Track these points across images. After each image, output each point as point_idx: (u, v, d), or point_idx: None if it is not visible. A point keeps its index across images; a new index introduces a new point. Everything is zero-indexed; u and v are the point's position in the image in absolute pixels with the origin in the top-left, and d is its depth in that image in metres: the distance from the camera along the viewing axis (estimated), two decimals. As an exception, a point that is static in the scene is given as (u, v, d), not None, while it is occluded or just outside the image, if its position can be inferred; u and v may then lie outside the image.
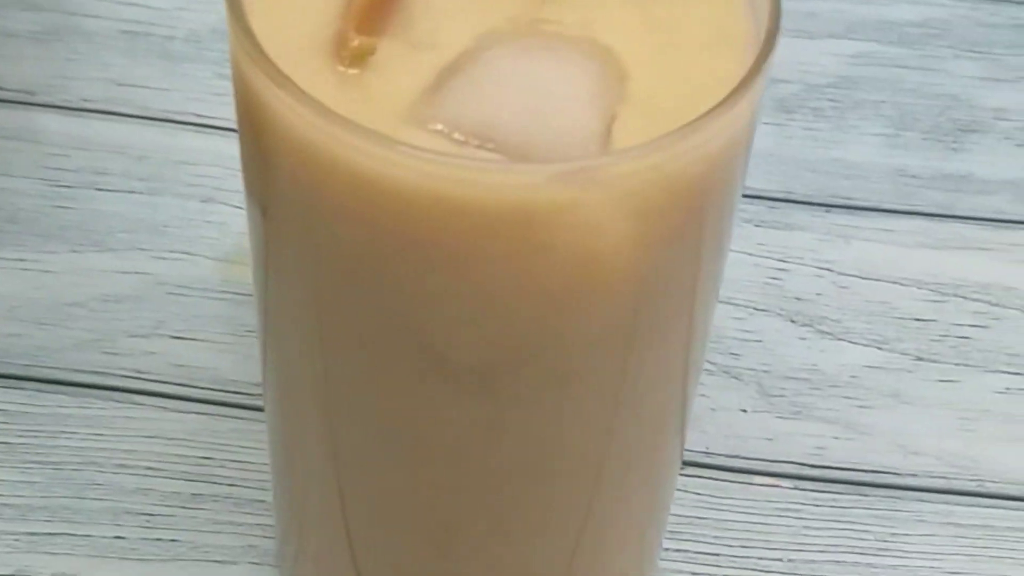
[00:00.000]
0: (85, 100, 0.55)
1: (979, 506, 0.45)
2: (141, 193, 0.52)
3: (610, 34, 0.30)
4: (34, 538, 0.43)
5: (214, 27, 0.58)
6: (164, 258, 0.50)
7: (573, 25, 0.30)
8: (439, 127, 0.27)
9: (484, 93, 0.28)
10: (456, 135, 0.28)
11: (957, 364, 0.49)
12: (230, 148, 0.55)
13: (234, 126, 0.54)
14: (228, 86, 0.56)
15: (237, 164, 0.53)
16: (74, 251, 0.50)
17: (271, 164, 0.29)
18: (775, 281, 0.51)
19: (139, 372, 0.47)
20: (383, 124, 0.28)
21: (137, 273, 0.50)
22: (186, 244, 0.51)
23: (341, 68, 0.29)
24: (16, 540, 0.43)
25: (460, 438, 0.33)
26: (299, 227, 0.30)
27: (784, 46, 0.58)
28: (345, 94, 0.28)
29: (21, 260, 0.50)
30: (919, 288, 0.51)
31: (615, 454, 0.36)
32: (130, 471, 0.45)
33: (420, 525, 0.37)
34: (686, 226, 0.29)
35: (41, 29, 0.57)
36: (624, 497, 0.38)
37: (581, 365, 0.30)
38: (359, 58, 0.28)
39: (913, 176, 0.55)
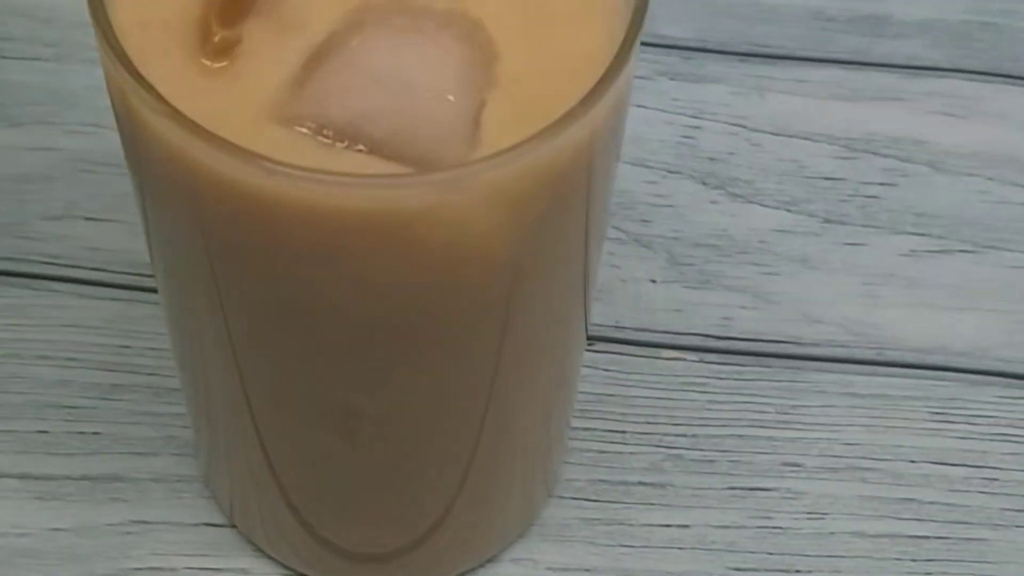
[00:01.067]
0: (-15, -44, 0.54)
1: (878, 375, 0.47)
2: (48, 60, 0.51)
3: (480, 5, 0.29)
4: (-42, 435, 0.44)
5: None
6: (75, 132, 0.50)
7: (443, -2, 0.29)
8: (306, 127, 0.27)
9: (351, 87, 0.28)
10: (324, 135, 0.27)
11: (864, 226, 0.50)
12: (137, 8, 0.54)
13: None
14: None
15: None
16: (-19, 127, 0.50)
17: (143, 156, 0.29)
18: (688, 140, 0.51)
19: (54, 257, 0.47)
20: (249, 123, 0.28)
21: (47, 149, 0.49)
22: (97, 116, 0.50)
23: (206, 61, 0.28)
24: (-60, 438, 0.44)
25: (357, 364, 0.34)
26: (176, 212, 0.30)
27: None
28: (211, 89, 0.28)
29: (-72, 138, 0.50)
30: (830, 144, 0.52)
31: (514, 340, 0.36)
32: (50, 362, 0.46)
33: (323, 410, 0.38)
34: (556, 206, 0.29)
35: None
36: (526, 379, 0.39)
37: (464, 330, 0.31)
38: (223, 52, 0.28)
39: (830, 19, 0.55)
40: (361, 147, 0.27)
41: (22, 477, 0.43)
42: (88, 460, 0.44)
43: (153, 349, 0.46)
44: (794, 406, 0.46)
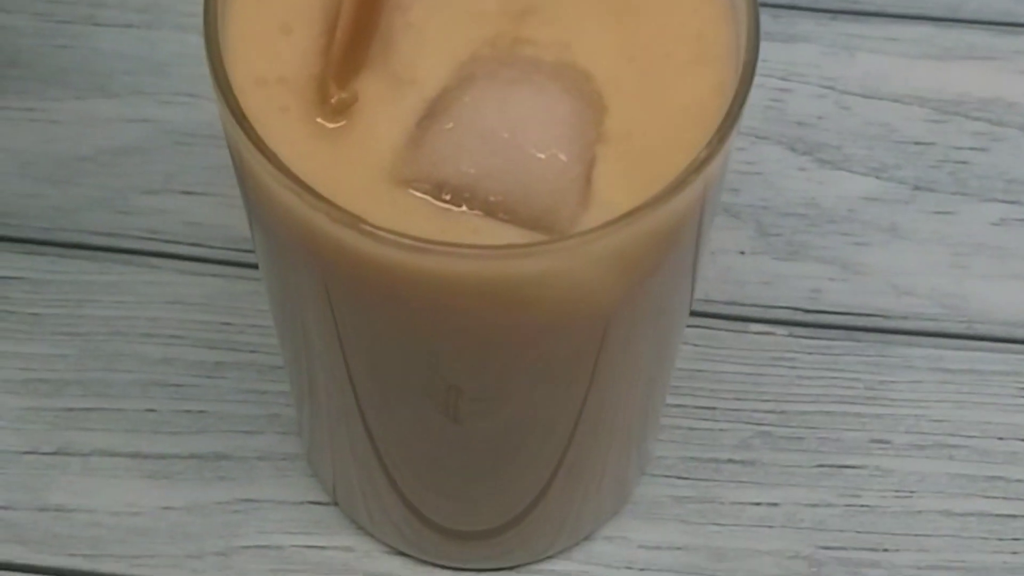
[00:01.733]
0: (72, -84, 0.54)
1: (967, 349, 0.47)
2: (138, 27, 0.52)
3: (588, 56, 0.30)
4: (72, 414, 0.46)
5: None
6: (169, 102, 0.50)
7: (552, 45, 0.30)
8: (423, 190, 0.28)
9: (463, 148, 0.28)
10: (439, 199, 0.28)
11: (954, 193, 0.50)
12: (226, -29, 0.54)
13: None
14: None
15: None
16: (78, 98, 0.50)
17: (258, 208, 0.30)
18: (777, 103, 0.51)
19: (153, 232, 0.48)
20: (368, 184, 0.28)
21: (143, 121, 0.50)
22: (189, 85, 0.51)
23: (323, 121, 0.29)
24: (56, 416, 0.45)
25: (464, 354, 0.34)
26: (293, 252, 0.30)
27: None
28: (328, 149, 0.29)
29: (29, 110, 0.50)
30: (921, 106, 0.51)
31: (622, 315, 0.37)
32: (155, 340, 0.47)
33: (426, 388, 0.39)
34: (661, 262, 0.29)
35: None
36: (631, 359, 0.40)
37: (565, 363, 0.32)
38: (340, 112, 0.28)
39: (923, -26, 0.54)
40: (477, 210, 0.28)
41: (133, 456, 0.45)
42: (195, 439, 0.45)
43: (255, 326, 0.47)
44: (882, 381, 0.47)
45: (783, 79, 0.52)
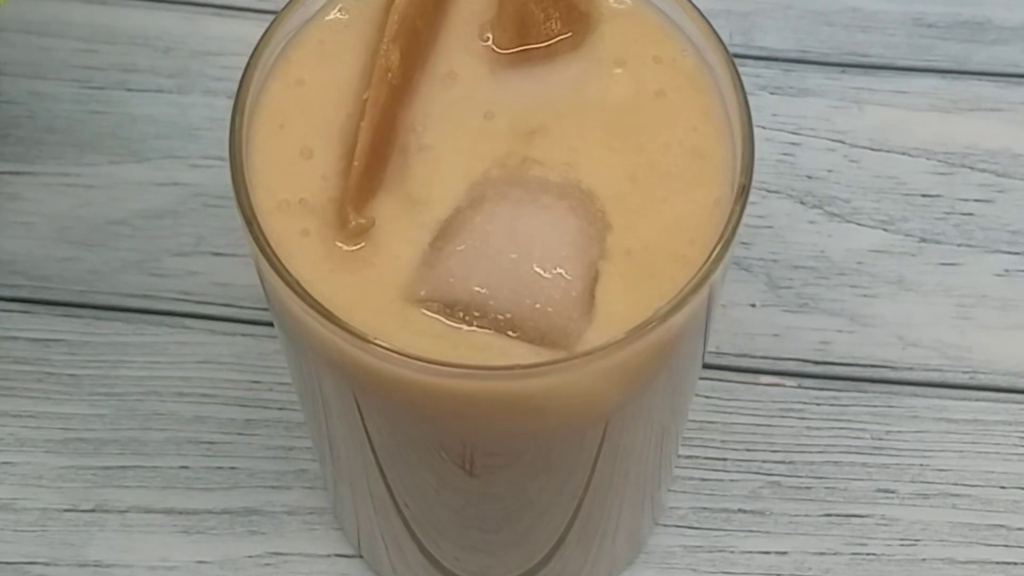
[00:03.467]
0: (105, -17, 0.56)
1: (971, 399, 0.49)
2: (170, 92, 0.54)
3: (592, 174, 0.31)
4: (109, 472, 0.48)
5: None
6: (199, 166, 0.52)
7: (558, 165, 0.31)
8: (435, 309, 0.30)
9: (474, 269, 0.30)
10: (451, 318, 0.30)
11: (959, 245, 0.51)
12: (251, 33, 0.55)
13: (256, 7, 0.55)
14: (244, -40, 0.57)
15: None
16: (112, 163, 0.52)
17: (285, 323, 0.31)
18: (788, 157, 0.53)
19: (185, 294, 0.50)
20: (386, 304, 0.30)
21: (174, 184, 0.52)
22: (219, 148, 0.53)
23: (342, 245, 0.30)
24: (94, 475, 0.48)
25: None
26: (313, 362, 0.32)
27: None
28: (347, 271, 0.30)
29: (64, 175, 0.52)
30: (928, 159, 0.53)
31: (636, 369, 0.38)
32: (188, 399, 0.49)
33: (443, 444, 0.41)
34: (662, 370, 0.31)
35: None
36: (644, 413, 0.41)
37: (570, 455, 0.34)
38: (357, 236, 0.30)
39: (929, 26, 0.55)
40: (487, 326, 0.30)
41: (168, 512, 0.47)
42: (227, 494, 0.48)
43: (283, 384, 0.49)
44: (888, 431, 0.48)
45: (793, 133, 0.53)
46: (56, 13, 0.55)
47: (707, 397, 0.49)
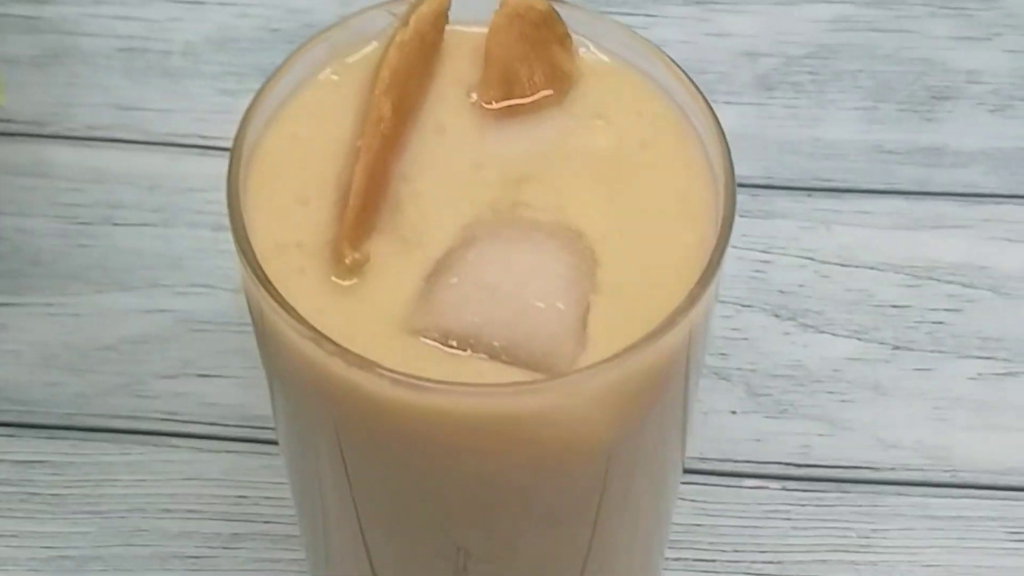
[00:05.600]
0: (91, 128, 0.57)
1: (953, 496, 0.49)
2: (155, 225, 0.55)
3: (581, 215, 0.33)
4: (93, 589, 0.47)
5: (208, 36, 0.60)
6: (184, 293, 0.53)
7: (547, 208, 0.33)
8: (432, 338, 0.31)
9: (468, 300, 0.31)
10: (448, 343, 0.31)
11: (932, 351, 0.52)
12: (235, 170, 0.57)
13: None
14: (228, 103, 0.59)
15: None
16: (98, 292, 0.53)
17: (277, 363, 0.32)
18: (759, 274, 0.54)
19: (171, 414, 0.51)
20: (381, 335, 0.31)
21: (160, 311, 0.53)
22: (203, 276, 0.54)
23: (338, 280, 0.31)
24: (76, 592, 0.47)
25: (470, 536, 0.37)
26: (308, 408, 0.33)
27: (761, 14, 0.60)
28: (343, 305, 0.31)
29: (49, 304, 0.53)
30: (896, 273, 0.54)
31: (619, 475, 0.39)
32: (173, 515, 0.49)
33: (437, 550, 0.41)
34: (659, 398, 0.32)
35: (41, 53, 0.59)
36: (629, 520, 0.42)
37: (567, 508, 0.34)
38: (354, 271, 0.31)
39: (890, 152, 0.57)
40: (482, 354, 0.30)
41: (153, 627, 0.47)
42: (213, 609, 0.47)
43: (269, 498, 0.49)
44: (874, 530, 0.49)
45: (764, 251, 0.55)
46: (41, 155, 0.57)
47: (692, 501, 0.49)
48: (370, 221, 0.32)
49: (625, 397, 0.31)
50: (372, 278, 0.32)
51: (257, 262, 0.31)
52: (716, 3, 0.60)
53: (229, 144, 0.57)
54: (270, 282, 0.30)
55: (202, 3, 0.60)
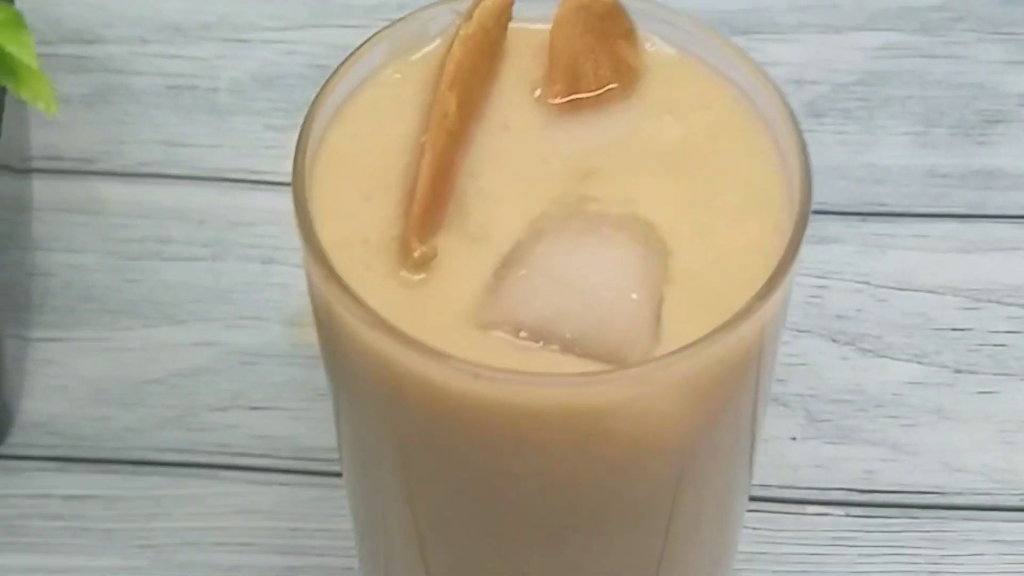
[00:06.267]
0: (141, 164, 0.57)
1: (1023, 521, 0.48)
2: (204, 260, 0.55)
3: (650, 208, 0.32)
4: (145, 622, 0.47)
5: (254, 74, 0.60)
6: (234, 326, 0.53)
7: (615, 201, 0.32)
8: (502, 332, 0.30)
9: (539, 293, 0.30)
10: (519, 337, 0.30)
11: (995, 374, 0.51)
12: (284, 204, 0.56)
13: (286, 180, 0.56)
14: (275, 138, 0.59)
15: (292, 221, 0.56)
16: (147, 326, 0.53)
17: (344, 363, 0.32)
18: (815, 299, 0.54)
19: (223, 447, 0.50)
20: (451, 330, 0.30)
21: (210, 344, 0.52)
22: (253, 310, 0.53)
23: (406, 274, 0.31)
24: (129, 626, 0.46)
25: (537, 558, 0.36)
26: (373, 413, 0.32)
27: (809, 43, 0.60)
28: (412, 300, 0.31)
29: (100, 340, 0.53)
30: (954, 296, 0.53)
31: (686, 505, 0.38)
32: (226, 548, 0.48)
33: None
34: (734, 393, 0.31)
35: (90, 91, 0.59)
36: (696, 546, 0.41)
37: (641, 514, 0.33)
38: (422, 265, 0.31)
39: (943, 176, 0.57)
40: (554, 347, 0.30)
41: (207, 662, 0.46)
42: (268, 642, 0.46)
43: (323, 530, 0.48)
44: (943, 555, 0.48)
45: (819, 277, 0.54)
46: (91, 192, 0.57)
47: (755, 529, 0.48)
48: (437, 217, 0.31)
49: (700, 390, 0.30)
50: (439, 274, 0.31)
51: (325, 256, 0.30)
52: (763, 32, 0.60)
53: (278, 179, 0.58)
54: (339, 276, 0.30)
55: (247, 41, 0.60)
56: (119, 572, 0.47)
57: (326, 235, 0.31)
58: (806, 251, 0.54)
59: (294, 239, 0.55)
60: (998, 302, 0.53)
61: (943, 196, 0.56)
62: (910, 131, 0.58)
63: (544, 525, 0.34)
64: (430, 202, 0.31)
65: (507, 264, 0.31)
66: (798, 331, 0.53)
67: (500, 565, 0.38)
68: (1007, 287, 0.54)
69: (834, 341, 0.53)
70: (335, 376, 0.33)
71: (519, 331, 0.30)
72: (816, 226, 0.56)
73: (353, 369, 0.31)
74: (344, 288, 0.30)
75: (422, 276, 0.31)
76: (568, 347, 0.30)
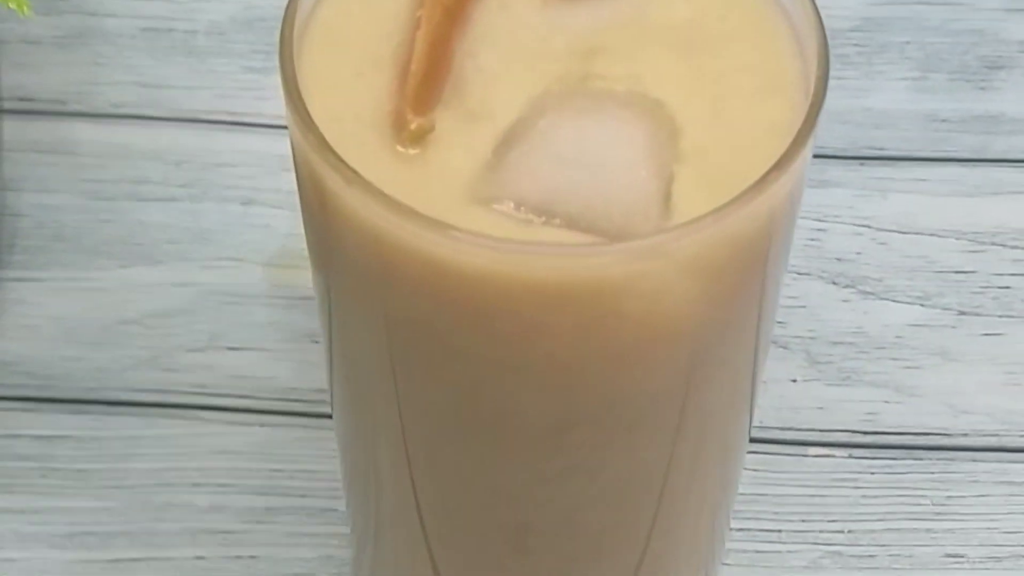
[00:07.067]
0: (115, 106, 0.55)
1: (1031, 462, 0.47)
2: (182, 200, 0.53)
3: (659, 87, 0.30)
4: (118, 564, 0.44)
5: (234, 16, 0.58)
6: (212, 267, 0.51)
7: (622, 79, 0.30)
8: (504, 207, 0.28)
9: (543, 167, 0.28)
10: (521, 213, 0.28)
11: (1000, 316, 0.50)
12: (264, 146, 0.55)
13: (267, 123, 0.55)
14: (256, 80, 0.57)
15: (273, 163, 0.55)
16: (123, 266, 0.51)
17: (337, 242, 0.30)
18: (814, 243, 0.52)
19: (200, 388, 0.48)
20: (448, 205, 0.28)
21: (187, 285, 0.50)
22: (232, 251, 0.51)
23: (401, 148, 0.29)
24: (102, 568, 0.44)
25: (533, 476, 0.34)
26: (368, 298, 0.30)
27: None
28: (407, 175, 0.29)
29: (72, 279, 0.51)
30: (957, 239, 0.52)
31: (685, 446, 0.36)
32: (203, 489, 0.46)
33: (495, 523, 0.38)
34: (744, 278, 0.29)
35: (64, 34, 0.57)
36: (696, 484, 0.39)
37: (647, 412, 0.31)
38: (418, 138, 0.29)
39: (943, 120, 0.55)
40: (557, 222, 0.28)
41: (183, 604, 0.44)
42: (247, 584, 0.44)
43: (305, 471, 0.46)
44: (950, 497, 0.46)
45: (818, 220, 0.52)
46: (64, 133, 0.55)
47: (755, 470, 0.46)
48: (433, 91, 0.30)
49: (711, 269, 0.28)
50: (436, 150, 0.29)
51: (315, 125, 0.28)
52: (758, -22, 0.59)
53: (259, 120, 0.56)
54: (327, 143, 0.28)
55: (226, -17, 0.58)
56: (91, 513, 0.45)
57: (316, 111, 0.29)
58: (804, 194, 0.54)
59: (275, 180, 0.54)
60: (1002, 245, 0.52)
61: (944, 141, 0.55)
62: (908, 76, 0.56)
63: (542, 439, 0.32)
64: (426, 75, 0.29)
65: (508, 140, 0.29)
66: (797, 274, 0.51)
67: (494, 504, 0.36)
68: (1012, 230, 0.52)
69: (834, 284, 0.51)
70: (323, 265, 0.31)
71: (521, 205, 0.28)
72: (814, 170, 0.54)
73: (343, 250, 0.29)
74: (336, 157, 0.28)
75: (418, 151, 0.29)
76: (572, 223, 0.28)
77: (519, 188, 0.28)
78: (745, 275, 0.29)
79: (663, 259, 0.27)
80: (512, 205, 0.28)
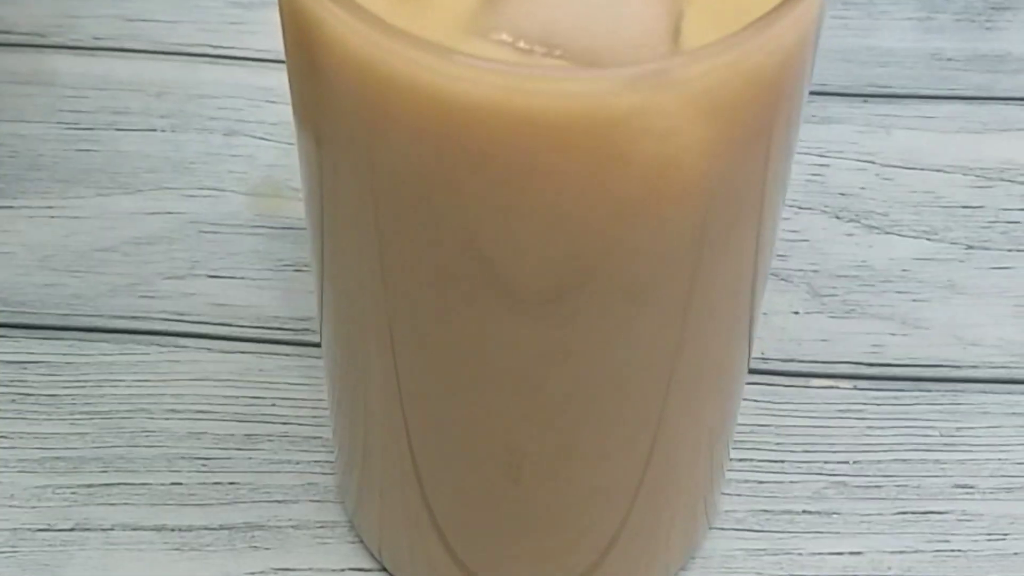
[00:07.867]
0: (96, 39, 0.53)
1: (1043, 393, 0.45)
2: (163, 131, 0.51)
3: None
4: (91, 490, 0.42)
5: (219, -49, 0.56)
6: (193, 196, 0.49)
7: (627, -76, 0.29)
8: (503, 37, 0.26)
9: (546, 3, 0.27)
10: (521, 44, 0.26)
11: (1009, 250, 0.48)
12: (249, 78, 0.54)
13: (250, 55, 0.53)
14: (240, 14, 0.55)
15: (258, 95, 0.53)
16: (101, 195, 0.49)
17: (325, 86, 0.28)
18: (817, 177, 0.50)
19: (179, 314, 0.46)
20: (444, 36, 0.26)
21: (167, 213, 0.49)
22: (214, 180, 0.50)
23: (393, -13, 0.28)
24: (73, 493, 0.42)
25: (527, 361, 0.32)
26: (357, 149, 0.28)
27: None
28: (400, 7, 0.27)
29: (48, 208, 0.49)
30: (964, 175, 0.50)
31: (684, 368, 0.35)
32: (181, 416, 0.44)
33: (487, 450, 0.37)
34: (759, 123, 0.28)
35: (43, -33, 0.56)
36: (694, 410, 0.37)
37: (651, 278, 0.29)
38: (411, -27, 0.27)
39: (949, 59, 0.54)
40: (559, 53, 0.26)
41: (158, 529, 0.41)
42: (226, 510, 0.42)
43: (287, 399, 0.44)
44: (959, 428, 0.44)
45: (821, 156, 0.51)
46: (42, 64, 0.53)
47: (756, 401, 0.44)
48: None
49: (723, 108, 0.26)
50: (430, -11, 0.28)
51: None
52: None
53: (242, 54, 0.54)
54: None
55: (213, -81, 0.57)
56: (63, 439, 0.43)
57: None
58: (805, 130, 0.52)
59: (259, 112, 0.52)
60: (1011, 180, 0.50)
61: (949, 79, 0.53)
62: (913, 16, 0.55)
63: (541, 305, 0.30)
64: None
65: (507, -23, 0.27)
66: (799, 208, 0.49)
67: (486, 428, 0.35)
68: (1020, 166, 0.50)
69: (837, 218, 0.49)
70: (309, 119, 0.29)
71: (520, 38, 0.26)
72: (815, 107, 0.53)
73: (330, 94, 0.27)
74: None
75: (412, -10, 0.28)
76: (575, 55, 0.26)
77: (519, 18, 0.26)
78: (758, 120, 0.27)
79: (672, 91, 0.26)
80: (511, 36, 0.26)
